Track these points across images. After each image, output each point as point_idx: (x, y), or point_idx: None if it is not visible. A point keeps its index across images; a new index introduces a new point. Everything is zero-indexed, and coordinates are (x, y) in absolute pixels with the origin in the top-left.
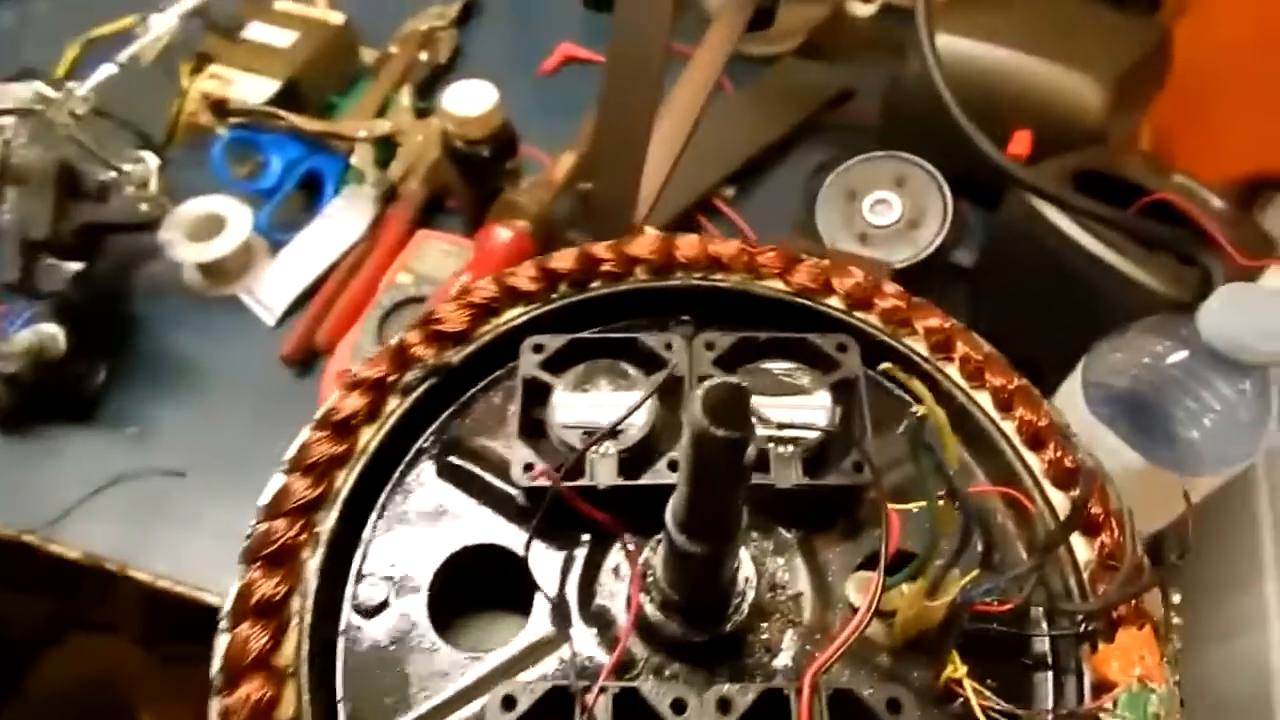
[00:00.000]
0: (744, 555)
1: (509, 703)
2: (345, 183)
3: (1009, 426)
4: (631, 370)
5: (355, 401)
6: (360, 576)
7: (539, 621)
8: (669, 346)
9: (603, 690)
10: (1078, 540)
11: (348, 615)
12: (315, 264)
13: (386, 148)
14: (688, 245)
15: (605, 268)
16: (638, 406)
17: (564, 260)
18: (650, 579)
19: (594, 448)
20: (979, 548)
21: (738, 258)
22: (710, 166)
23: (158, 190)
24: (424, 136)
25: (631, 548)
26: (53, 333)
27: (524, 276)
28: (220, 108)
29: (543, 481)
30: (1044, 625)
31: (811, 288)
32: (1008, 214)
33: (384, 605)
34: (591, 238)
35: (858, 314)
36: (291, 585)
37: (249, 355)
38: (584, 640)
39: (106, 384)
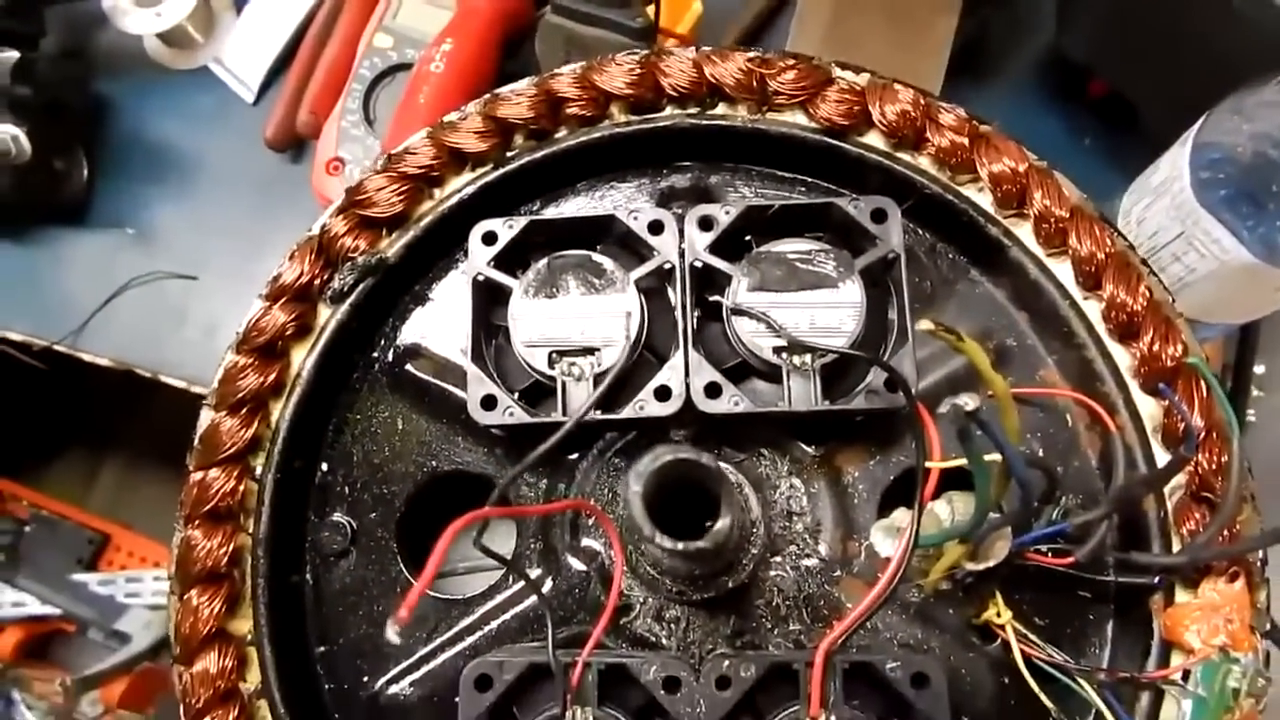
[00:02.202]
0: (752, 498)
1: (483, 683)
2: None
3: (1093, 310)
4: (608, 265)
5: (278, 316)
6: (318, 521)
7: (522, 561)
8: (655, 228)
9: (587, 666)
10: (1163, 456)
11: (309, 563)
12: (284, 22)
13: None
14: (677, 69)
15: (572, 109)
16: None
17: (517, 105)
18: (636, 538)
19: (565, 368)
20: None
21: (744, 82)
22: None
23: None
24: None
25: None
26: (13, 134)
27: (467, 131)
28: None
29: (505, 420)
30: (1109, 563)
31: (842, 123)
32: None
33: (348, 548)
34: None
35: (903, 156)
36: (238, 544)
37: (233, 139)
38: (574, 579)
39: (90, 181)
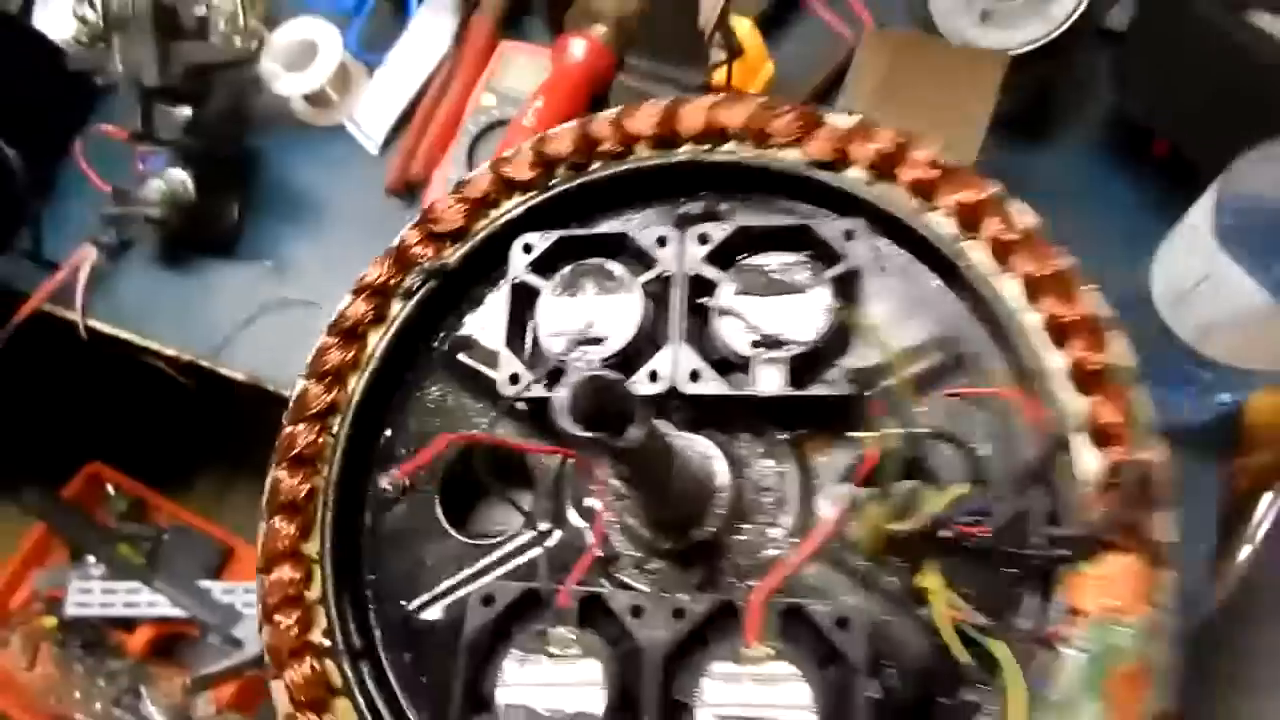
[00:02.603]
0: (720, 465)
1: (487, 600)
2: None
3: (1034, 320)
4: (618, 271)
5: (360, 307)
6: (377, 472)
7: (537, 515)
8: (661, 242)
9: (570, 592)
10: (1088, 451)
11: (369, 507)
12: (407, 84)
13: None
14: (691, 115)
15: (604, 147)
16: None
17: (560, 142)
18: (623, 490)
19: (577, 354)
20: (975, 463)
21: (748, 126)
22: None
23: (250, 20)
24: None
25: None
26: (182, 178)
27: (520, 164)
28: None
29: (525, 393)
30: (1032, 540)
31: (828, 158)
32: None
33: (399, 499)
34: (652, 59)
35: (881, 185)
36: (314, 484)
37: (359, 186)
38: (575, 533)
39: (240, 220)
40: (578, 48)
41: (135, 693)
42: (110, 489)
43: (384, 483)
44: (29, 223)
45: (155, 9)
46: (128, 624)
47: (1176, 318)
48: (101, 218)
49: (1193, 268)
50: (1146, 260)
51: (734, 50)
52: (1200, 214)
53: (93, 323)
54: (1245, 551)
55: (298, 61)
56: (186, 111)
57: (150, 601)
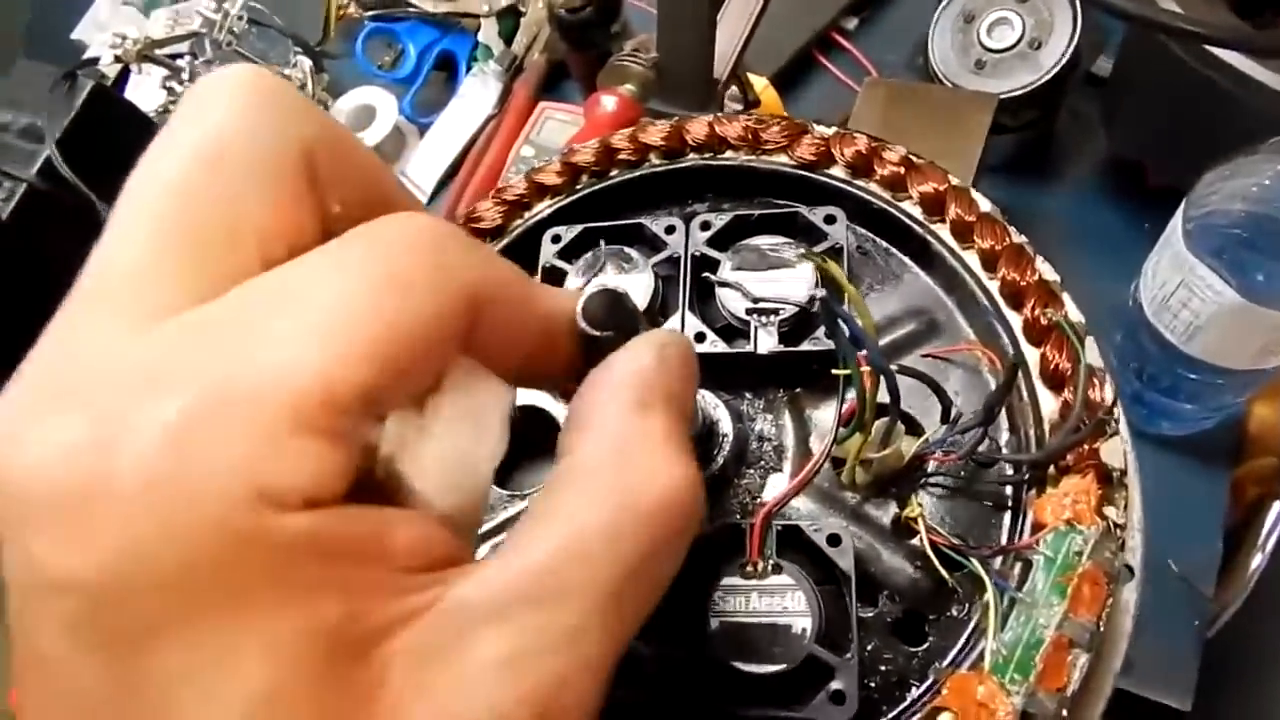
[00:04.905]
0: (723, 413)
1: None
2: (475, 60)
3: (993, 286)
4: (635, 254)
5: None
6: None
7: None
8: (670, 230)
9: None
10: (1045, 395)
11: None
12: (455, 142)
13: (510, 22)
14: (696, 129)
15: (621, 156)
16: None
17: (584, 154)
18: None
19: None
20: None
21: (743, 136)
22: None
23: (317, 89)
24: (543, 4)
25: None
26: None
27: (549, 172)
28: None
29: None
30: (1004, 472)
31: (812, 159)
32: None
33: None
34: (669, 106)
35: (858, 181)
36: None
37: None
38: None
39: None
40: (609, 102)
41: None
42: None
43: None
44: None
45: None
46: None
47: (1162, 321)
48: None
49: (1171, 274)
50: (1137, 281)
51: (749, 101)
52: (1172, 227)
53: None
54: (1256, 560)
55: (358, 124)
56: None
57: None
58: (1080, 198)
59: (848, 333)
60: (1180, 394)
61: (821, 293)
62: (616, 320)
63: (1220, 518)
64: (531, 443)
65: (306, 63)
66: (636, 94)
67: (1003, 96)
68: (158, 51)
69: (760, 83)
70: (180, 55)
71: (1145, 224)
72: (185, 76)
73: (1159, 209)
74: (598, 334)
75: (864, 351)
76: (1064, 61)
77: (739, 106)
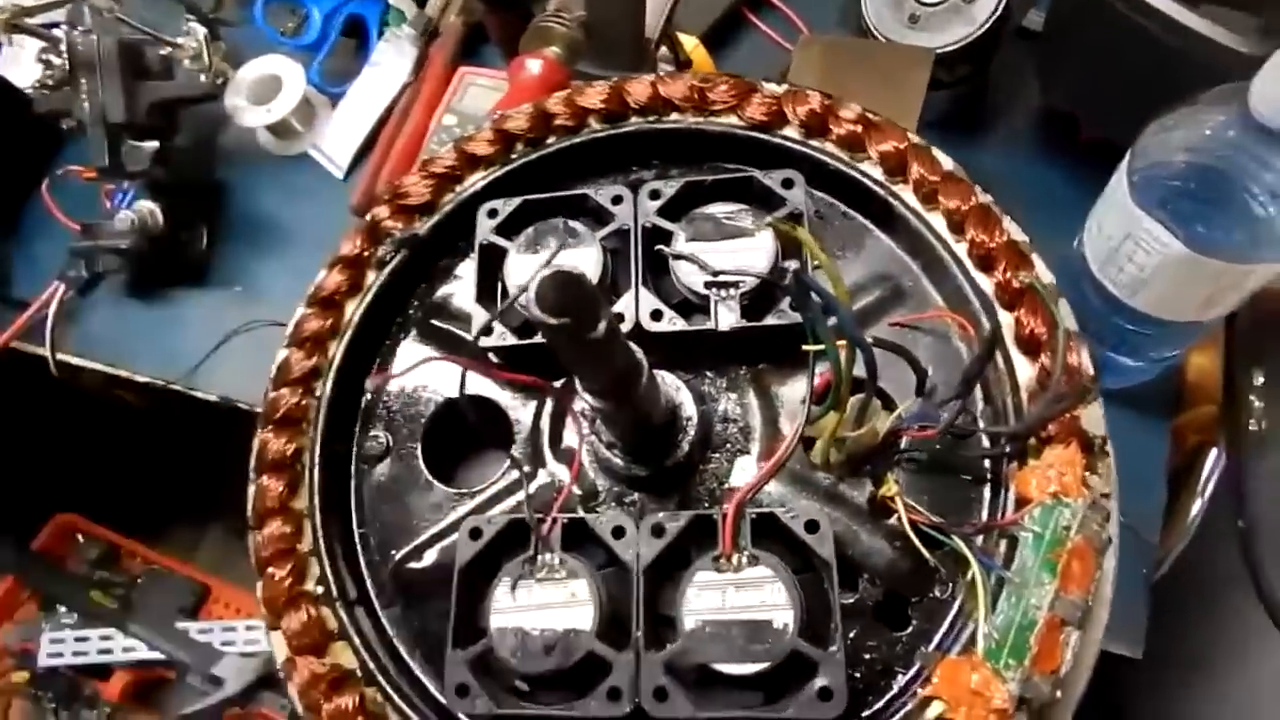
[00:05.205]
0: (685, 396)
1: (475, 534)
2: (387, 24)
3: (961, 249)
4: (580, 227)
5: (336, 278)
6: (363, 430)
7: (516, 460)
8: (616, 200)
9: (554, 521)
10: (1021, 361)
11: (355, 464)
12: (370, 113)
13: None
14: (638, 89)
15: (558, 122)
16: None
17: (517, 120)
18: (597, 423)
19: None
20: (928, 377)
21: (689, 96)
22: None
23: (214, 59)
24: None
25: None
26: (150, 208)
27: (481, 141)
28: None
29: (497, 342)
30: (983, 445)
31: (764, 120)
32: None
33: (385, 454)
34: (601, 69)
35: (813, 142)
36: (300, 444)
37: (324, 209)
38: (555, 474)
39: (209, 248)
40: (534, 65)
41: None
42: (80, 538)
43: (369, 384)
44: None
45: (120, 51)
46: (102, 672)
47: (1108, 275)
48: (70, 251)
49: (1116, 228)
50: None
51: (680, 62)
52: (1116, 180)
53: (62, 357)
54: (1196, 506)
55: (262, 96)
56: (153, 145)
57: (125, 647)
58: (1014, 153)
59: (820, 304)
60: (1123, 348)
61: (794, 264)
62: (576, 304)
63: (1163, 467)
64: (477, 434)
65: (201, 31)
66: (562, 57)
67: (938, 52)
68: (29, 21)
69: (690, 42)
70: (56, 24)
71: (1080, 178)
72: (63, 49)
73: (1093, 164)
74: (554, 321)
75: (833, 321)
76: (997, 14)
77: (670, 68)
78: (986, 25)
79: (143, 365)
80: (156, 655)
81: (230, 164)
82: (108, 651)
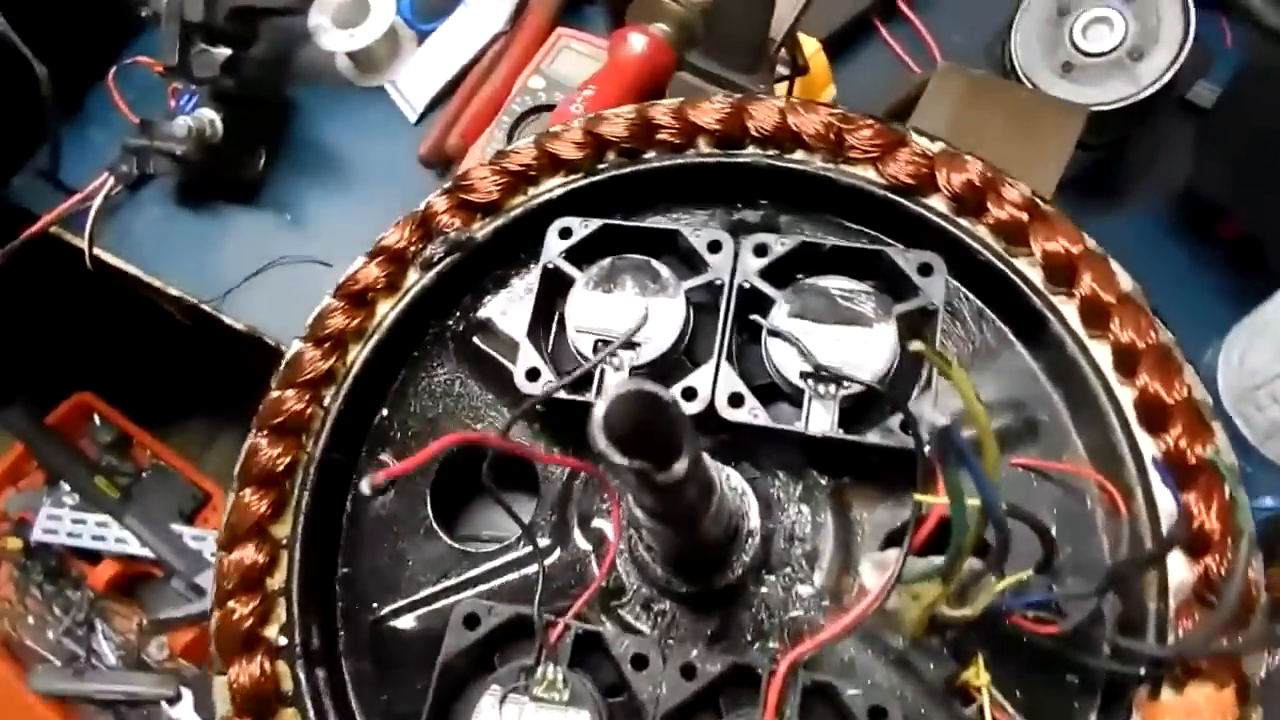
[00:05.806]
0: (751, 505)
1: (471, 622)
2: None
3: (1126, 396)
4: (664, 272)
5: (373, 271)
6: (368, 455)
7: (537, 528)
8: (714, 247)
9: (567, 628)
10: (1176, 556)
11: (353, 492)
12: (456, 57)
13: None
14: (763, 114)
15: (662, 135)
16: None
17: (615, 125)
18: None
19: (608, 359)
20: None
21: (823, 135)
22: None
23: None
24: None
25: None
26: (211, 118)
27: (568, 141)
28: None
29: (542, 390)
30: (1104, 650)
31: (908, 182)
32: (1265, 49)
33: (386, 489)
34: (713, 64)
35: (964, 221)
36: (294, 457)
37: (392, 151)
38: (578, 558)
39: (265, 169)
40: (637, 42)
41: (90, 626)
42: (96, 420)
43: (365, 486)
44: (50, 144)
45: None
46: (92, 557)
47: (1241, 413)
48: (123, 148)
49: (1264, 365)
50: (1206, 343)
51: (799, 67)
52: (1274, 311)
53: (100, 252)
54: None
55: (348, 19)
56: (225, 52)
57: (118, 537)
58: (1143, 235)
59: (964, 470)
60: None
61: (944, 420)
62: (654, 442)
63: None
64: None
65: None
66: (670, 36)
67: (1094, 109)
68: None
69: (811, 45)
70: None
71: (1212, 278)
72: None
73: (1232, 265)
74: (624, 462)
75: (965, 476)
76: (1165, 79)
77: (785, 71)
78: (1152, 89)
79: (176, 278)
80: (147, 552)
81: (301, 86)
82: (101, 539)
